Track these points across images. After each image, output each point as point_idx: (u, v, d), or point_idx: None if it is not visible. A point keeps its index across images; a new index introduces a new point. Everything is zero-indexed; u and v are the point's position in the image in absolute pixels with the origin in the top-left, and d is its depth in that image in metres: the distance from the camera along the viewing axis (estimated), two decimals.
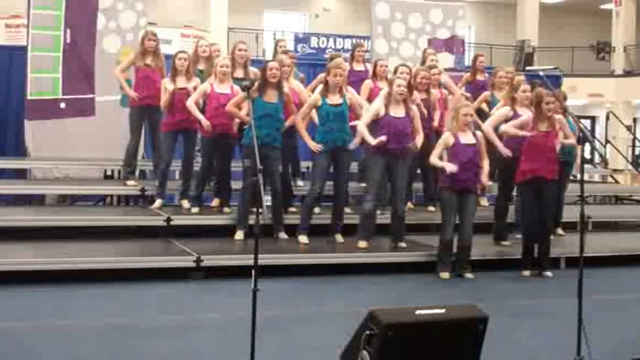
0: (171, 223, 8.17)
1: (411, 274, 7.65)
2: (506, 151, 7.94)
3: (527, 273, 7.82)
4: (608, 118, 18.67)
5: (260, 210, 4.66)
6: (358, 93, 8.71)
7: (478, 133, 7.68)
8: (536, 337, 5.66)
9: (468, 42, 22.10)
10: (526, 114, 7.92)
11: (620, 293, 7.44)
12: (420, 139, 7.87)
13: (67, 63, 9.82)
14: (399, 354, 4.02)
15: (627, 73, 23.67)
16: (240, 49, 8.83)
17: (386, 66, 9.49)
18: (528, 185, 7.76)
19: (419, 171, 9.37)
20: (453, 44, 12.35)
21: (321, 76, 8.73)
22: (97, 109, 9.92)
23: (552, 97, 7.63)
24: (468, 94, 9.59)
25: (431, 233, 8.58)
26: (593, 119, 26.67)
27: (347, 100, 7.96)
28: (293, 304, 6.51)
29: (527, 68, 13.62)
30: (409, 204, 9.10)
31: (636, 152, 21.70)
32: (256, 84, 7.74)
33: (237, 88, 8.07)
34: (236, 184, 8.64)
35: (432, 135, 8.80)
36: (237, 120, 8.23)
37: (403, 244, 8.06)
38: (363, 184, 9.38)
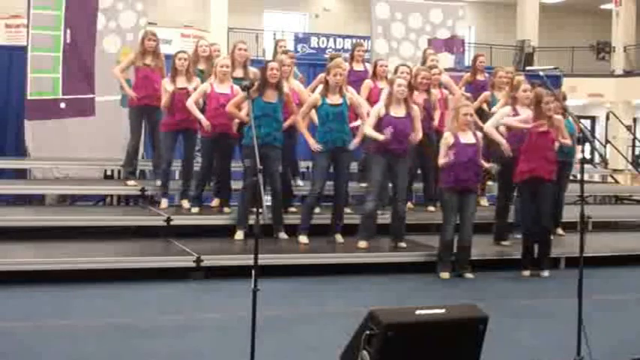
0: (171, 223, 8.17)
1: (411, 274, 7.65)
2: (508, 148, 7.90)
3: (527, 273, 7.82)
4: (608, 118, 18.66)
5: (260, 210, 4.66)
6: (358, 93, 8.71)
7: (478, 133, 7.69)
8: (536, 337, 5.66)
9: (468, 42, 22.09)
10: (527, 113, 7.92)
11: (620, 293, 7.44)
12: (417, 136, 7.86)
13: (67, 63, 9.81)
14: (399, 354, 4.02)
15: (627, 73, 23.66)
16: (240, 49, 8.83)
17: (386, 66, 9.50)
18: (526, 185, 7.77)
19: (419, 171, 9.38)
20: (453, 44, 12.35)
21: (321, 76, 8.73)
22: (97, 109, 9.92)
23: (552, 96, 7.64)
24: (469, 94, 9.59)
25: (431, 233, 8.58)
26: (593, 119, 26.67)
27: (347, 100, 7.96)
28: (293, 304, 6.51)
29: (527, 68, 13.63)
30: (409, 204, 9.10)
31: (636, 152, 21.69)
32: (256, 84, 7.74)
33: (237, 88, 8.07)
34: (236, 184, 8.64)
35: (433, 135, 8.81)
36: (236, 120, 8.23)
37: (403, 244, 8.06)
38: (363, 184, 9.40)
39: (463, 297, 6.68)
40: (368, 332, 4.02)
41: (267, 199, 7.83)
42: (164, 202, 8.71)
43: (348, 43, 20.16)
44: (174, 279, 7.06)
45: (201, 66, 9.06)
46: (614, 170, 15.51)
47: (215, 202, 8.96)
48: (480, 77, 10.05)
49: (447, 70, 10.64)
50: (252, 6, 24.35)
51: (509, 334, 5.59)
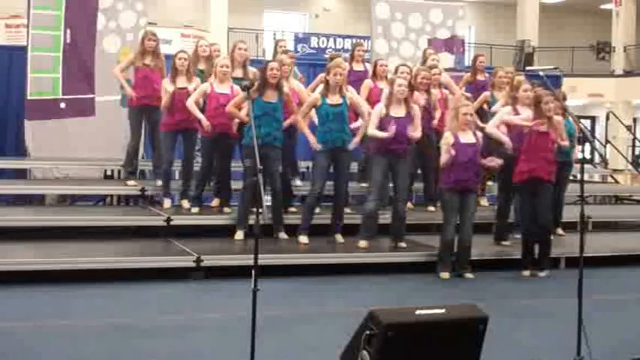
0: (171, 223, 8.17)
1: (411, 274, 7.65)
2: (511, 146, 7.88)
3: (527, 273, 7.82)
4: (608, 118, 18.66)
5: (260, 210, 4.66)
6: (358, 93, 8.71)
7: (478, 133, 7.69)
8: (536, 337, 5.66)
9: (468, 42, 22.08)
10: (527, 113, 7.92)
11: (620, 293, 7.44)
12: (416, 133, 7.85)
13: (67, 63, 9.81)
14: (399, 354, 4.02)
15: (627, 73, 23.66)
16: (240, 48, 8.83)
17: (386, 65, 9.50)
18: (525, 185, 7.77)
19: (419, 171, 9.38)
20: (453, 44, 12.35)
21: (322, 76, 8.73)
22: (97, 109, 9.92)
23: (551, 96, 7.64)
24: (469, 94, 9.59)
25: (431, 233, 8.58)
26: (593, 119, 26.67)
27: (347, 100, 7.96)
28: (293, 304, 6.51)
29: (527, 68, 13.61)
30: (409, 204, 9.10)
31: (636, 152, 21.68)
32: (256, 84, 7.74)
33: (237, 88, 8.07)
34: (236, 184, 8.64)
35: (433, 135, 8.81)
36: (236, 120, 8.23)
37: (403, 244, 8.06)
38: (363, 184, 9.41)
39: (463, 297, 6.68)
40: (368, 332, 4.02)
41: (267, 199, 7.83)
42: (167, 202, 8.72)
43: (348, 43, 20.16)
44: (174, 279, 7.06)
45: (201, 66, 9.06)
46: (614, 170, 15.51)
47: (215, 202, 8.96)
48: (480, 77, 10.05)
49: (446, 70, 10.63)
50: (252, 6, 24.35)
51: (509, 334, 5.59)
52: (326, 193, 8.31)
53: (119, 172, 9.89)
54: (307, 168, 9.73)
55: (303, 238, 8.04)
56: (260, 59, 13.92)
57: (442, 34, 12.29)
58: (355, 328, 4.17)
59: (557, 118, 7.87)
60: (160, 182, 9.02)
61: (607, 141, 17.68)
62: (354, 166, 9.38)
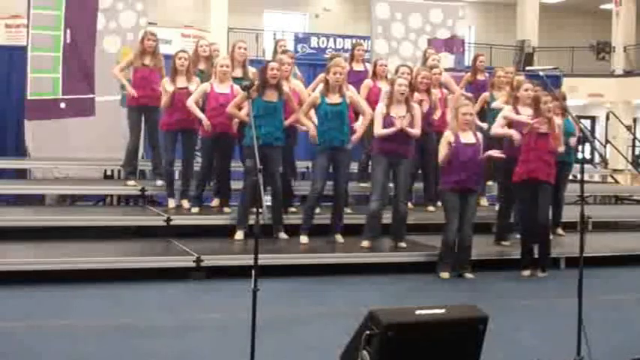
0: (171, 223, 8.17)
1: (411, 274, 7.65)
2: (519, 138, 7.83)
3: (527, 273, 7.82)
4: (608, 118, 18.65)
5: (260, 210, 4.66)
6: (358, 93, 8.71)
7: (478, 133, 7.69)
8: (536, 337, 5.66)
9: (468, 42, 22.11)
10: (528, 113, 7.91)
11: (620, 293, 7.44)
12: (416, 131, 7.85)
13: (67, 63, 9.81)
14: (399, 354, 4.02)
15: (627, 73, 23.65)
16: (239, 47, 8.83)
17: (385, 65, 9.50)
18: (524, 186, 7.76)
19: (419, 171, 9.38)
20: (453, 44, 12.36)
21: (322, 75, 8.73)
22: (97, 109, 9.92)
23: (550, 96, 7.65)
24: (470, 94, 9.58)
25: (431, 233, 8.58)
26: (593, 119, 26.66)
27: (347, 100, 7.97)
28: (293, 304, 6.52)
29: (527, 68, 13.61)
30: (409, 204, 9.09)
31: (636, 152, 21.67)
32: (256, 84, 7.74)
33: (237, 87, 8.07)
34: (236, 184, 8.64)
35: (433, 135, 8.80)
36: (236, 120, 8.22)
37: (403, 244, 8.07)
38: (363, 184, 9.42)
39: (463, 297, 6.68)
40: (368, 332, 4.02)
41: (267, 200, 7.83)
42: (171, 202, 8.73)
43: (348, 43, 20.14)
44: (174, 279, 7.06)
45: (202, 66, 9.06)
46: (614, 170, 15.50)
47: (215, 202, 8.97)
48: (480, 77, 10.04)
49: (446, 70, 10.64)
50: (252, 6, 24.34)
51: (509, 334, 5.59)
52: (326, 193, 8.31)
53: (119, 172, 9.89)
54: (307, 168, 9.72)
55: (304, 238, 8.04)
56: (260, 59, 13.92)
57: (442, 34, 12.30)
58: (355, 328, 4.17)
59: (557, 121, 7.86)
60: (159, 182, 9.03)
61: (607, 141, 17.68)
62: (354, 166, 9.39)
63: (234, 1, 21.91)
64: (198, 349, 5.13)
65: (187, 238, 8.04)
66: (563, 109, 8.16)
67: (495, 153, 7.61)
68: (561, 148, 7.90)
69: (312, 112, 8.19)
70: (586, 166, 13.49)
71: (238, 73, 8.67)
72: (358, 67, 9.77)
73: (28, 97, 9.77)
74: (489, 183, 9.88)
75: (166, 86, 8.41)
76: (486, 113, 9.25)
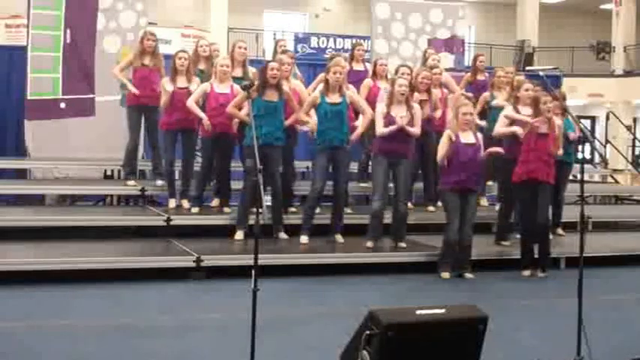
0: (171, 223, 8.17)
1: (411, 274, 7.65)
2: (522, 131, 7.82)
3: (527, 273, 7.82)
4: (608, 118, 18.66)
5: (260, 210, 4.66)
6: (358, 93, 8.71)
7: (478, 133, 7.69)
8: (536, 337, 5.66)
9: (468, 42, 22.11)
10: (528, 113, 7.91)
11: (620, 293, 7.44)
12: (415, 130, 7.85)
13: (67, 63, 9.81)
14: (399, 354, 4.02)
15: (627, 73, 23.65)
16: (239, 47, 8.84)
17: (385, 65, 9.51)
18: (524, 186, 7.76)
19: (419, 171, 9.38)
20: (453, 44, 12.36)
21: (322, 75, 8.73)
22: (97, 109, 9.92)
23: (549, 97, 7.65)
24: (470, 94, 9.59)
25: (431, 233, 8.58)
26: (593, 119, 26.67)
27: (347, 99, 7.97)
28: (293, 304, 6.52)
29: (527, 68, 13.63)
30: (409, 204, 9.09)
31: (636, 152, 21.68)
32: (256, 84, 7.74)
33: (237, 87, 8.07)
34: (236, 184, 8.64)
35: (433, 134, 8.80)
36: (236, 119, 8.22)
37: (403, 244, 8.07)
38: (363, 184, 9.42)
39: (463, 297, 6.68)
40: (368, 332, 4.02)
41: (267, 199, 7.83)
42: (172, 202, 8.72)
43: (348, 43, 20.14)
44: (174, 279, 7.06)
45: (202, 66, 9.06)
46: (614, 170, 15.51)
47: (215, 202, 8.97)
48: (480, 77, 10.04)
49: (446, 70, 10.64)
50: (252, 6, 24.34)
51: (509, 334, 5.59)
52: (326, 193, 8.31)
53: (119, 172, 9.89)
54: (307, 168, 9.72)
55: (304, 238, 8.04)
56: (260, 59, 13.92)
57: (442, 34, 12.30)
58: (355, 328, 4.17)
59: (558, 122, 7.85)
60: (159, 182, 9.03)
61: (607, 141, 17.68)
62: (354, 166, 9.39)
63: (234, 1, 21.92)
64: (198, 349, 5.13)
65: (187, 238, 8.04)
66: (564, 109, 8.16)
67: (494, 150, 7.61)
68: (560, 151, 7.89)
69: (313, 112, 8.18)
70: (586, 166, 13.50)
71: (238, 73, 8.67)
72: (358, 66, 9.78)
73: (28, 97, 9.76)
74: (489, 183, 9.88)
75: (166, 86, 8.41)
76: (487, 113, 9.26)
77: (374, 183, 8.03)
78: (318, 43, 21.91)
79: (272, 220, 8.14)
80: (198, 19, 21.60)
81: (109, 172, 10.37)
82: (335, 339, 4.68)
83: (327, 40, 21.99)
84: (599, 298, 6.62)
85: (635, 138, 21.18)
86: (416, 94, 8.47)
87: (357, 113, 8.41)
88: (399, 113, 7.76)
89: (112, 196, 10.14)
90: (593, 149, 15.96)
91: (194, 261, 7.21)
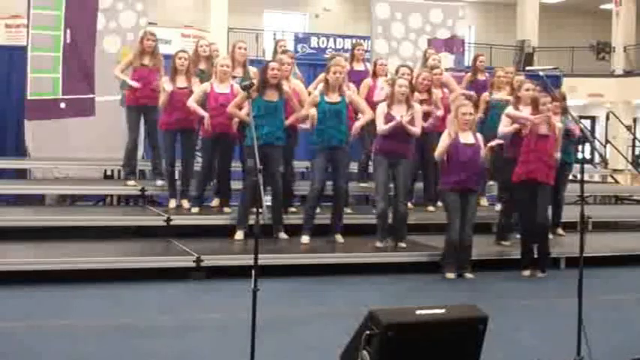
0: (171, 223, 8.17)
1: (411, 274, 7.65)
2: (528, 120, 7.79)
3: (527, 273, 7.82)
4: (608, 118, 18.66)
5: (260, 210, 4.66)
6: (358, 93, 8.72)
7: (478, 134, 7.69)
8: (536, 337, 5.66)
9: (468, 42, 22.09)
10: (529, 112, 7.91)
11: (620, 293, 7.44)
12: (415, 129, 7.84)
13: (67, 63, 9.80)
14: (399, 354, 4.02)
15: (627, 73, 23.65)
16: (240, 48, 8.85)
17: (385, 65, 9.51)
18: (523, 186, 7.76)
19: (420, 171, 9.38)
20: (453, 44, 12.35)
21: (322, 75, 8.74)
22: (97, 109, 9.91)
23: (548, 98, 7.65)
24: (472, 92, 9.60)
25: (431, 233, 8.59)
26: (593, 119, 26.67)
27: (346, 99, 7.97)
28: (293, 304, 6.52)
29: (527, 68, 13.63)
30: (409, 204, 9.09)
31: (636, 152, 21.68)
32: (255, 82, 7.73)
33: (237, 87, 8.07)
34: (236, 184, 8.64)
35: (433, 134, 8.79)
36: (235, 119, 8.22)
37: (403, 244, 8.07)
38: (363, 184, 9.42)
39: (463, 297, 6.67)
40: (368, 332, 4.02)
41: (267, 199, 7.83)
42: (172, 202, 8.71)
43: (348, 43, 20.13)
44: (174, 279, 7.06)
45: (202, 66, 9.06)
46: (614, 170, 15.51)
47: (215, 202, 8.97)
48: (480, 77, 10.06)
49: (446, 70, 10.64)
50: (252, 6, 24.34)
51: (509, 334, 5.59)
52: (326, 193, 8.31)
53: (119, 172, 9.89)
54: (307, 168, 9.72)
55: (305, 238, 8.04)
56: (260, 59, 13.91)
57: (442, 34, 12.30)
58: (355, 328, 4.17)
59: (558, 124, 7.84)
60: (159, 182, 9.03)
61: (607, 141, 17.69)
62: (354, 166, 9.39)
63: (234, 1, 21.91)
64: (198, 349, 5.13)
65: (187, 238, 8.04)
66: (564, 109, 8.16)
67: (494, 142, 7.62)
68: (558, 155, 7.88)
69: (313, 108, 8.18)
70: (586, 166, 13.50)
71: (239, 73, 8.68)
72: (359, 66, 9.79)
73: (28, 97, 9.76)
74: (490, 183, 9.88)
75: (165, 85, 8.40)
76: (487, 112, 9.28)
77: (376, 184, 8.03)
78: (318, 43, 21.91)
79: (272, 220, 8.14)
80: (198, 19, 21.60)
81: (109, 172, 10.37)
82: (335, 339, 4.68)
83: (327, 40, 21.99)
84: (599, 298, 6.63)
85: (635, 138, 21.18)
86: (416, 94, 8.47)
87: (357, 114, 8.41)
88: (400, 113, 7.76)
89: (112, 196, 10.14)
90: (593, 149, 15.96)
91: (194, 261, 7.20)
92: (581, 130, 6.98)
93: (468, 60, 12.65)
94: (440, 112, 8.99)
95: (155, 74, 8.85)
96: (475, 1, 26.49)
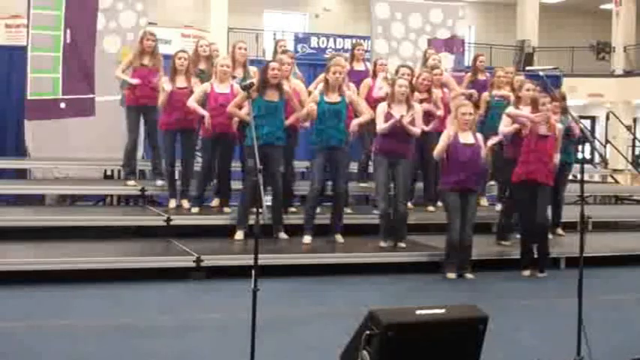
0: (171, 223, 8.17)
1: (411, 274, 7.65)
2: (529, 118, 7.78)
3: (526, 273, 7.82)
4: (608, 118, 18.66)
5: (260, 210, 4.66)
6: (358, 93, 8.72)
7: (478, 134, 7.69)
8: (536, 337, 5.66)
9: (468, 42, 22.08)
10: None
11: (620, 293, 7.44)
12: (415, 129, 7.85)
13: (67, 63, 9.79)
14: (399, 354, 4.02)
15: (627, 73, 23.65)
16: (240, 48, 8.85)
17: (385, 64, 9.51)
18: (523, 187, 7.76)
19: (420, 171, 9.38)
20: (453, 44, 12.35)
21: (322, 75, 8.73)
22: (97, 109, 9.90)
23: (548, 98, 7.65)
24: (473, 91, 9.60)
25: (431, 233, 8.59)
26: (593, 119, 26.66)
27: (346, 99, 7.97)
28: (293, 304, 6.52)
29: (527, 68, 13.61)
30: (409, 204, 9.09)
31: (636, 152, 21.68)
32: (255, 83, 7.72)
33: (237, 87, 8.08)
34: (236, 184, 8.64)
35: (433, 134, 8.79)
36: (235, 119, 8.22)
37: (403, 244, 8.07)
38: (363, 184, 9.42)
39: (463, 297, 6.68)
40: (368, 332, 4.02)
41: (267, 199, 7.83)
42: (172, 202, 8.71)
43: (348, 43, 20.12)
44: (174, 279, 7.06)
45: (202, 66, 9.06)
46: (614, 170, 15.51)
47: (215, 202, 8.97)
48: (480, 77, 10.06)
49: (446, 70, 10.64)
50: (252, 6, 24.34)
51: (509, 334, 5.59)
52: (326, 193, 8.31)
53: (119, 172, 9.89)
54: (306, 168, 9.72)
55: (307, 238, 8.04)
56: (260, 59, 13.91)
57: (442, 34, 12.30)
58: (355, 328, 4.17)
59: (558, 126, 7.84)
60: (159, 182, 9.03)
61: (607, 141, 17.69)
62: (354, 166, 9.39)
63: (234, 1, 21.91)
64: (198, 349, 5.13)
65: (187, 238, 8.04)
66: (564, 109, 8.16)
67: (493, 140, 7.62)
68: (557, 158, 7.88)
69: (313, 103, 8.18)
70: (586, 166, 13.50)
71: (239, 73, 8.68)
72: (359, 66, 9.79)
73: (28, 97, 9.75)
74: (490, 183, 9.88)
75: (164, 85, 8.40)
76: (489, 110, 9.30)
77: (376, 184, 8.04)
78: (318, 43, 21.90)
79: (272, 220, 8.14)
80: (198, 19, 21.59)
81: (109, 172, 10.37)
82: (335, 339, 4.68)
83: (327, 40, 21.98)
84: (599, 298, 6.63)
85: (635, 138, 21.18)
86: (416, 94, 8.48)
87: (357, 114, 8.40)
88: (400, 113, 7.76)
89: (112, 196, 10.14)
90: (593, 149, 15.95)
91: (194, 261, 7.21)
92: (581, 130, 6.98)
93: (468, 60, 12.65)
94: (440, 112, 9.00)
95: (155, 74, 8.85)
96: (475, 1, 26.49)
